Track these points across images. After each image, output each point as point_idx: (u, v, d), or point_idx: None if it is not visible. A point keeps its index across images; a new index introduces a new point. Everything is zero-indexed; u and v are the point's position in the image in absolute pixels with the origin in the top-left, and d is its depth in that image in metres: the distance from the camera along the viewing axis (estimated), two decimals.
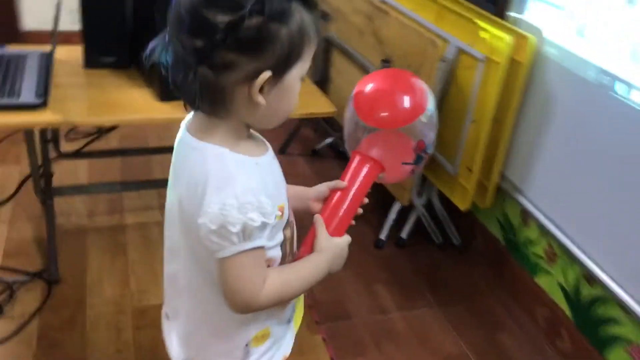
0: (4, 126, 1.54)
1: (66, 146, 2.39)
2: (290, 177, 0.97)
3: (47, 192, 1.93)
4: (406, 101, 1.01)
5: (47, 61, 1.81)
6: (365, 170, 1.02)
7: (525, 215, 1.99)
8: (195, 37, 0.76)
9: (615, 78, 1.55)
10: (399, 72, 1.14)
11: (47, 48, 1.88)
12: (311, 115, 1.89)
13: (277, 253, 0.91)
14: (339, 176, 1.03)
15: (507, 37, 1.79)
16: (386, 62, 2.10)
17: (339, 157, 2.80)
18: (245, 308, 0.87)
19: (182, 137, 0.89)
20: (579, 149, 1.71)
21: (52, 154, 2.06)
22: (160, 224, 2.15)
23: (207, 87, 0.78)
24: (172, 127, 1.02)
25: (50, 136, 1.94)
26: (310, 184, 1.05)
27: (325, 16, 2.56)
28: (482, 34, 1.88)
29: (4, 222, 2.09)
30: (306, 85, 1.97)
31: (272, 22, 0.76)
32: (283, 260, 0.92)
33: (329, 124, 2.87)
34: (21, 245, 2.00)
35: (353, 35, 2.32)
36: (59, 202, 2.05)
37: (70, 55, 1.87)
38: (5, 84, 1.63)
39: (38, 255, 1.96)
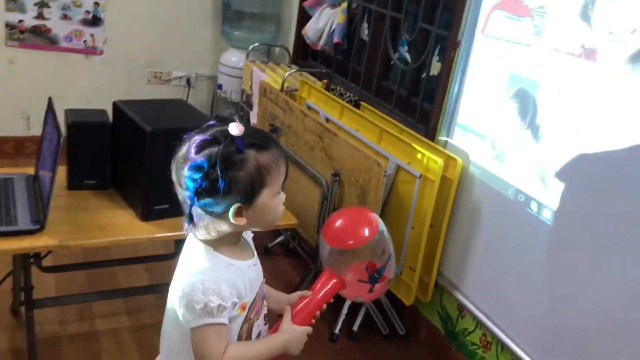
0: (4, 252, 1.69)
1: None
2: None
3: (28, 304, 2.05)
4: (360, 230, 1.32)
5: (33, 184, 1.99)
6: (330, 282, 1.32)
7: (462, 308, 2.29)
8: (184, 190, 1.09)
9: (529, 197, 1.91)
10: (360, 210, 1.46)
11: (26, 170, 2.07)
12: (275, 227, 2.13)
13: (235, 339, 1.17)
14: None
15: (439, 160, 2.14)
16: (336, 176, 2.41)
17: (289, 255, 3.03)
18: None
19: (189, 238, 1.19)
20: (502, 252, 2.04)
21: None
22: (130, 329, 2.29)
23: (201, 218, 1.11)
24: None
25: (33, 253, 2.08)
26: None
27: (276, 130, 2.87)
28: (418, 155, 2.23)
29: None
30: None
31: (229, 172, 1.05)
32: None
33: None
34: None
35: (304, 149, 2.62)
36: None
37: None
38: (0, 210, 1.79)
39: None
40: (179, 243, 2.39)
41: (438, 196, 2.19)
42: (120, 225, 1.89)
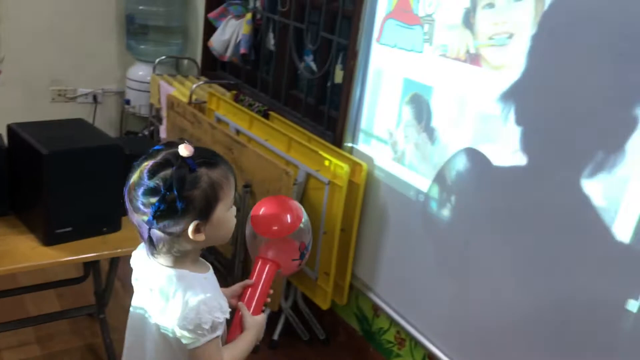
0: None
1: None
2: None
3: None
4: (289, 217, 1.37)
5: None
6: (267, 268, 1.37)
7: (376, 308, 2.36)
8: (141, 214, 1.11)
9: (429, 197, 1.99)
10: (281, 198, 1.51)
11: None
12: None
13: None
14: None
15: (345, 166, 2.20)
16: (247, 187, 2.42)
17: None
18: None
19: (150, 265, 1.20)
20: (408, 251, 2.12)
21: None
22: (41, 359, 2.22)
23: (161, 240, 1.14)
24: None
25: None
26: None
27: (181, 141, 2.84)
28: (326, 162, 2.28)
29: None
30: None
31: (185, 192, 1.09)
32: None
33: None
34: None
35: None
36: None
37: None
38: None
39: None
40: (88, 266, 2.33)
41: (347, 201, 2.25)
42: (20, 252, 1.82)
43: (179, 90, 3.14)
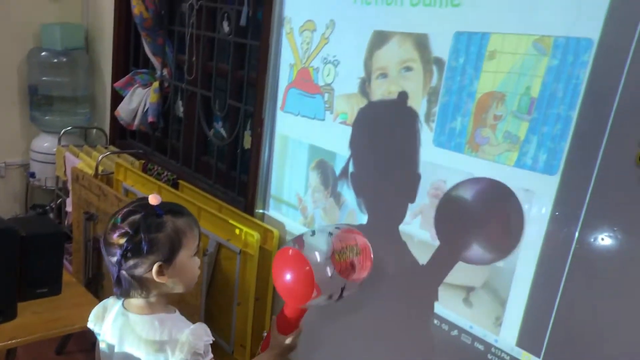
0: None
1: None
2: None
3: None
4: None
5: None
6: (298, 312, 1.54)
7: None
8: (111, 256, 1.22)
9: None
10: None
11: None
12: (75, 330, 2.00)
13: None
14: None
15: (256, 234, 2.17)
16: None
17: None
18: None
19: (123, 315, 1.29)
20: (326, 316, 2.10)
21: None
22: None
23: (129, 282, 1.23)
24: None
25: None
26: None
27: (92, 217, 2.74)
28: (237, 231, 2.25)
29: None
30: (79, 295, 2.11)
31: (150, 234, 1.20)
32: None
33: None
34: None
35: None
36: None
37: None
38: None
39: None
40: None
41: (259, 269, 2.21)
42: None
43: (86, 161, 3.05)
